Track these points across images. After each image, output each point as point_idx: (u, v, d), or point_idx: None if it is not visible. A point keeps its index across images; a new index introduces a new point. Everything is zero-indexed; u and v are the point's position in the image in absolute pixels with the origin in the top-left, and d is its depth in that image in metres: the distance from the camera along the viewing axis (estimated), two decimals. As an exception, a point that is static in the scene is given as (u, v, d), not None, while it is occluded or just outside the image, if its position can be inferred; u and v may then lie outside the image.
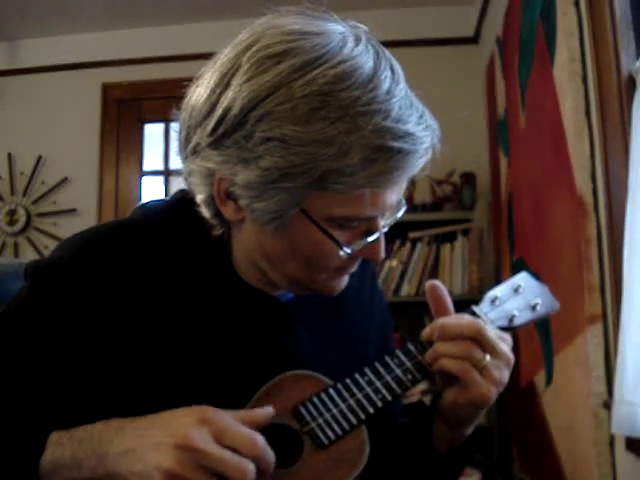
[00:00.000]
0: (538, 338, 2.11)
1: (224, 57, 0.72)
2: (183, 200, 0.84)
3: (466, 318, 0.78)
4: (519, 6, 2.29)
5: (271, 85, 0.66)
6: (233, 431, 0.65)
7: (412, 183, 3.02)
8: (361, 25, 0.74)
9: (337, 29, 0.71)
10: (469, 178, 2.99)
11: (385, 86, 0.67)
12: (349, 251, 0.72)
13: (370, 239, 0.73)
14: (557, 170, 1.86)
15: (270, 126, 0.66)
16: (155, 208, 0.85)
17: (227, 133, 0.69)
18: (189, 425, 0.64)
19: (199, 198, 0.77)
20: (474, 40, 3.25)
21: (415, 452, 0.84)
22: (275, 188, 0.68)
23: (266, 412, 0.69)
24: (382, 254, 0.76)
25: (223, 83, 0.70)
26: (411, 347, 0.79)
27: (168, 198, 0.88)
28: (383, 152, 0.66)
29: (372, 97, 0.66)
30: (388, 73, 0.69)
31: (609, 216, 1.51)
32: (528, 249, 2.28)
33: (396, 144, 0.66)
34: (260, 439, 0.66)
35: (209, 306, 0.79)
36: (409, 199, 2.99)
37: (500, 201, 2.79)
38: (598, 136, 1.57)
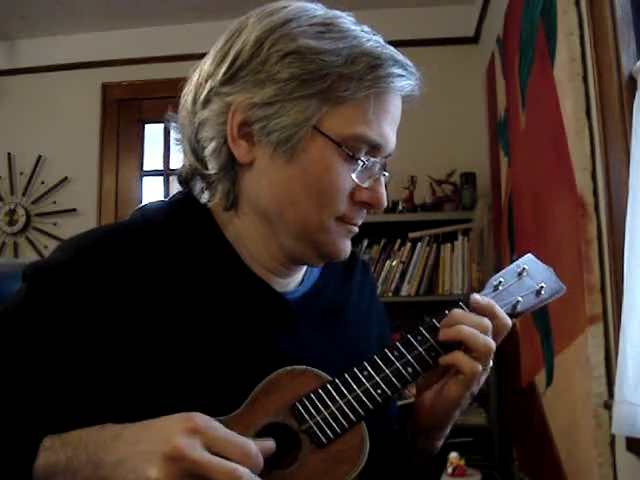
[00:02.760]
0: (539, 338, 2.11)
1: (226, 31, 0.81)
2: (182, 200, 0.84)
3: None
4: (519, 6, 2.29)
5: (281, 20, 0.77)
6: (224, 439, 0.64)
7: (412, 183, 3.03)
8: None
9: None
10: (469, 178, 2.98)
11: (370, 30, 0.80)
12: (363, 161, 0.77)
13: (377, 160, 0.79)
14: (557, 170, 1.85)
15: (286, 43, 0.75)
16: (154, 209, 0.85)
17: (243, 65, 0.76)
18: (179, 434, 0.63)
19: (209, 148, 0.80)
20: (474, 40, 3.25)
21: (393, 460, 0.84)
22: (293, 99, 0.75)
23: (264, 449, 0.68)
24: (384, 200, 0.80)
25: (232, 38, 0.79)
26: (411, 339, 0.78)
27: (166, 199, 0.88)
28: (384, 59, 0.76)
29: (362, 29, 0.78)
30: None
31: (610, 216, 1.51)
32: (528, 249, 2.27)
33: (392, 54, 0.77)
34: (252, 448, 0.65)
35: (213, 303, 0.78)
36: (409, 199, 3.00)
37: (500, 201, 2.79)
38: (598, 136, 1.56)
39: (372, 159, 0.78)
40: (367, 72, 0.75)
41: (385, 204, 0.81)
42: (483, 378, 0.79)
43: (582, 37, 1.65)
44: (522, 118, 2.30)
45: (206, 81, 0.79)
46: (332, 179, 0.76)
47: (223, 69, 0.77)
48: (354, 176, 0.77)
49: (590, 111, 1.62)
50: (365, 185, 0.78)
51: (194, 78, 0.81)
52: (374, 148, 0.78)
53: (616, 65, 1.48)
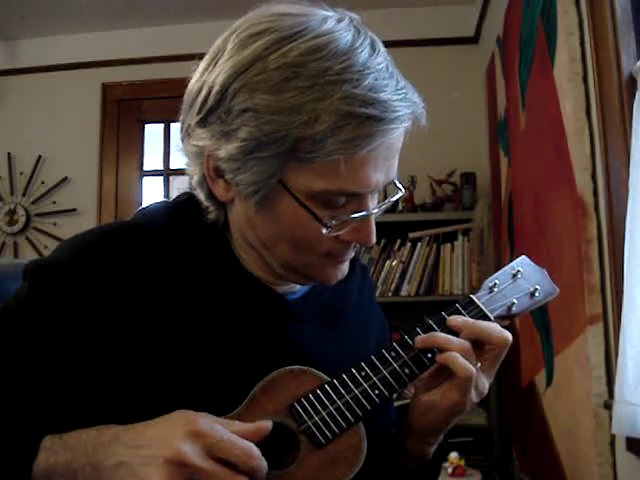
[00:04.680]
0: (539, 338, 2.11)
1: (215, 42, 0.75)
2: (186, 201, 0.84)
3: (499, 327, 0.78)
4: (519, 6, 2.29)
5: (248, 60, 0.69)
6: (226, 444, 0.64)
7: (412, 183, 3.02)
8: (352, 13, 0.75)
9: (322, 13, 0.72)
10: (469, 178, 2.98)
11: (360, 59, 0.68)
12: (329, 224, 0.71)
13: (354, 216, 0.73)
14: (557, 170, 1.85)
15: (245, 97, 0.68)
16: (157, 210, 0.86)
17: (211, 110, 0.71)
18: (180, 438, 0.62)
19: (194, 180, 0.79)
20: (474, 40, 3.25)
21: (386, 464, 0.84)
22: (253, 159, 0.70)
23: (260, 429, 0.68)
24: (372, 238, 0.75)
25: (211, 65, 0.73)
26: (409, 340, 0.78)
27: (170, 200, 0.88)
28: (351, 118, 0.66)
29: (344, 67, 0.67)
30: (367, 48, 0.70)
31: (609, 216, 1.51)
32: (528, 249, 2.28)
33: (364, 110, 0.66)
34: (255, 450, 0.64)
35: (214, 302, 0.78)
36: (409, 199, 2.99)
37: (500, 201, 2.79)
38: (598, 136, 1.56)
39: (340, 218, 0.72)
40: (329, 134, 0.66)
41: (372, 242, 0.76)
42: (485, 386, 0.78)
43: (582, 37, 1.65)
44: (522, 118, 2.30)
45: (188, 109, 0.76)
46: (304, 231, 0.73)
47: (197, 105, 0.73)
48: (324, 231, 0.72)
49: (590, 111, 1.62)
50: (342, 232, 0.73)
51: (185, 96, 0.78)
52: (355, 195, 0.72)
53: (616, 65, 1.48)
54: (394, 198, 0.79)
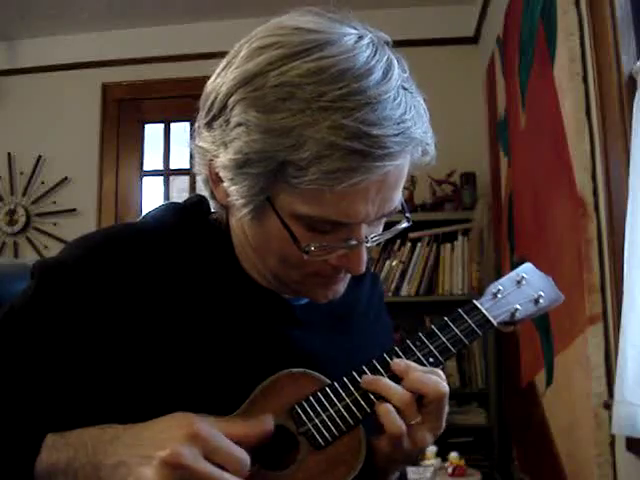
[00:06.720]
0: (539, 338, 2.11)
1: (236, 44, 0.75)
2: (194, 204, 0.85)
3: (433, 379, 0.73)
4: (519, 6, 2.29)
5: (251, 74, 0.68)
6: (224, 450, 0.64)
7: (412, 183, 3.02)
8: (381, 33, 0.72)
9: (342, 30, 0.69)
10: (469, 178, 2.99)
11: (363, 86, 0.65)
12: (307, 249, 0.70)
13: (338, 244, 0.71)
14: (557, 170, 1.86)
15: (241, 111, 0.68)
16: (165, 211, 0.86)
17: (215, 116, 0.72)
18: (179, 440, 0.63)
19: (200, 178, 0.80)
20: (474, 40, 3.26)
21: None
22: (242, 173, 0.69)
23: (259, 428, 0.68)
24: (361, 267, 0.73)
25: (225, 69, 0.73)
26: (410, 344, 0.77)
27: (181, 202, 0.89)
28: (335, 149, 0.64)
29: (340, 94, 0.64)
30: (376, 74, 0.66)
31: (609, 216, 1.51)
32: (528, 249, 2.28)
33: (348, 143, 0.63)
34: (247, 460, 0.65)
35: (217, 305, 0.79)
36: (409, 199, 2.99)
37: (500, 201, 2.79)
38: (598, 136, 1.57)
39: (325, 244, 0.70)
40: (312, 162, 0.64)
41: (359, 271, 0.73)
42: (426, 439, 0.74)
43: (582, 37, 1.66)
44: (522, 118, 2.31)
45: (201, 109, 0.75)
46: (289, 251, 0.72)
47: (206, 108, 0.73)
48: (305, 256, 0.70)
49: (590, 111, 1.62)
50: (329, 257, 0.72)
51: (202, 94, 0.77)
52: (340, 224, 0.70)
53: (616, 65, 1.48)
54: (399, 227, 0.77)
